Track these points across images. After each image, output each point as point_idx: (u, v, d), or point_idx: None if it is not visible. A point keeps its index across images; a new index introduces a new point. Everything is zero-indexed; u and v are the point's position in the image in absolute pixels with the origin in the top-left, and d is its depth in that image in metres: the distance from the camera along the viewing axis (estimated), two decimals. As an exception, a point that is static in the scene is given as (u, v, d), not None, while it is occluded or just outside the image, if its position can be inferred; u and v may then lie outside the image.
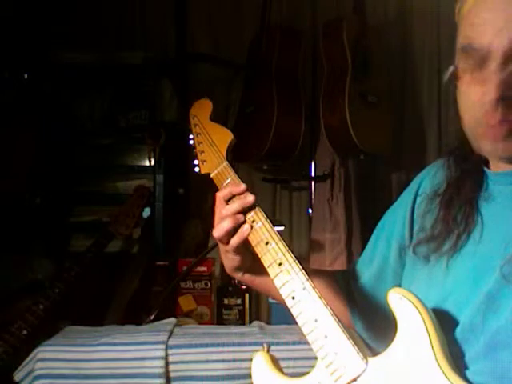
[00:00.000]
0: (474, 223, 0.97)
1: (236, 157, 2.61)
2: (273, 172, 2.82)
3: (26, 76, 2.60)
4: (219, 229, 1.06)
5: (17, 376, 1.69)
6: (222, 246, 1.11)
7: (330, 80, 2.61)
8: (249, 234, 1.06)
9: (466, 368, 0.90)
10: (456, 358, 0.90)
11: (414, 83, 2.86)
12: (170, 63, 2.83)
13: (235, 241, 1.07)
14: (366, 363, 0.92)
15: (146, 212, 2.53)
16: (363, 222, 2.71)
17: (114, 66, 2.68)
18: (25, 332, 2.11)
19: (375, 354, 0.94)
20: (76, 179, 2.73)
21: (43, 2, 2.68)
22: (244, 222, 1.07)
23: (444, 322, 0.92)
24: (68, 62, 2.66)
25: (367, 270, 1.17)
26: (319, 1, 2.84)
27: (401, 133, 2.81)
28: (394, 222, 1.14)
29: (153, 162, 2.62)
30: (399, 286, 1.10)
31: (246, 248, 1.09)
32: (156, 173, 2.64)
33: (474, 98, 0.90)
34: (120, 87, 2.73)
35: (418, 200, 1.10)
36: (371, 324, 1.13)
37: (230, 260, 1.13)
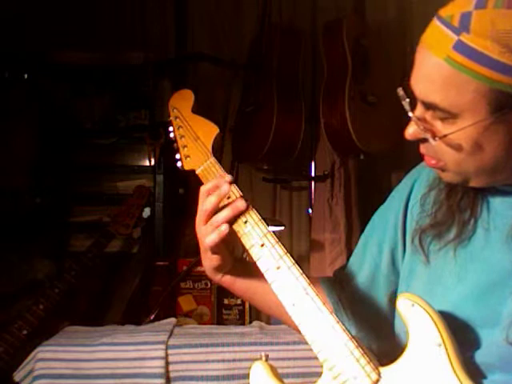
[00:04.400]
0: (480, 211, 0.94)
1: (236, 157, 2.62)
2: (273, 172, 2.82)
3: (25, 76, 2.60)
4: (215, 220, 1.00)
5: (17, 376, 1.68)
6: (201, 243, 1.05)
7: (330, 80, 2.61)
8: (226, 234, 0.99)
9: (484, 377, 0.88)
10: (472, 366, 0.88)
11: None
12: (169, 63, 2.83)
13: (213, 239, 1.00)
14: (378, 374, 0.88)
15: (146, 212, 2.54)
16: (363, 222, 2.70)
17: (114, 65, 2.68)
18: (25, 332, 2.11)
19: (386, 363, 0.90)
20: (76, 179, 2.73)
21: (43, 2, 2.68)
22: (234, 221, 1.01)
23: (455, 330, 0.89)
24: (68, 62, 2.66)
25: (357, 276, 1.11)
26: (319, 1, 2.85)
27: (401, 133, 2.80)
28: (384, 227, 1.09)
29: (153, 162, 2.62)
30: (393, 293, 1.06)
31: (225, 248, 1.04)
32: (156, 173, 2.64)
33: None
34: (120, 87, 2.73)
35: (412, 202, 1.05)
36: (361, 329, 1.08)
37: (208, 259, 1.06)
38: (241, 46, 2.88)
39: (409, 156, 2.84)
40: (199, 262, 2.43)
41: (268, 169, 2.77)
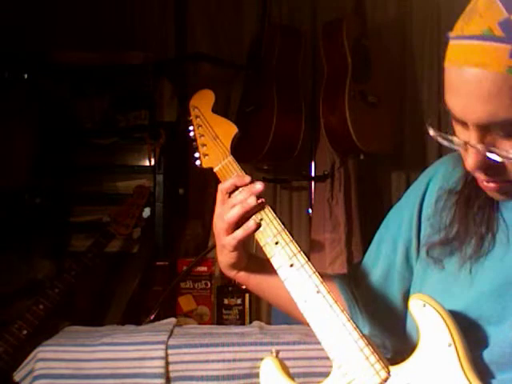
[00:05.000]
0: (496, 226, 0.93)
1: (236, 157, 2.62)
2: (273, 172, 2.82)
3: (25, 76, 2.60)
4: (230, 215, 1.01)
5: (17, 376, 1.68)
6: (219, 240, 1.06)
7: (330, 80, 2.61)
8: (255, 231, 1.02)
9: (493, 377, 0.88)
10: (482, 366, 0.88)
11: (414, 83, 2.86)
12: (169, 63, 2.83)
13: (239, 234, 1.02)
14: (387, 372, 0.89)
15: (146, 212, 2.54)
16: (363, 222, 2.71)
17: (114, 66, 2.68)
18: (25, 332, 2.11)
19: (396, 362, 0.90)
20: (76, 179, 2.73)
21: (43, 2, 2.68)
22: (252, 214, 1.03)
23: (468, 329, 0.89)
24: (68, 62, 2.66)
25: (371, 273, 1.11)
26: (319, 1, 2.85)
27: (401, 133, 2.81)
28: (399, 224, 1.09)
29: (153, 162, 2.62)
30: (407, 290, 1.07)
31: (243, 245, 1.05)
32: (156, 173, 2.64)
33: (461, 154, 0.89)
34: (120, 87, 2.72)
35: (426, 201, 1.05)
36: (375, 326, 1.08)
37: (225, 256, 1.08)
38: (241, 46, 2.88)
39: (409, 156, 2.85)
40: (199, 262, 2.44)
41: (268, 169, 2.77)
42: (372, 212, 2.75)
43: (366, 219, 2.72)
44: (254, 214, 1.04)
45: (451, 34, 0.83)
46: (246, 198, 1.02)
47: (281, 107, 2.57)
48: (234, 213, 1.02)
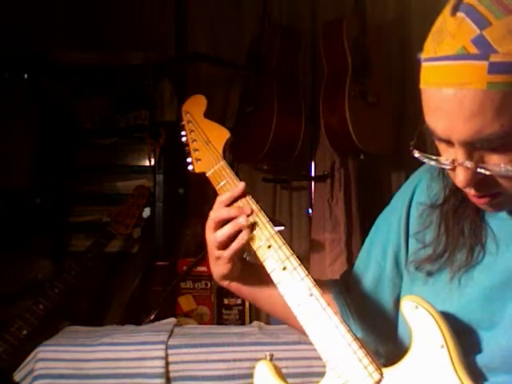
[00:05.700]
0: (485, 235, 0.93)
1: (236, 157, 2.63)
2: (273, 172, 2.82)
3: (25, 76, 2.60)
4: (221, 234, 1.02)
5: (17, 376, 1.68)
6: (212, 252, 1.06)
7: (330, 80, 2.61)
8: (247, 240, 1.02)
9: (485, 380, 0.89)
10: (474, 369, 0.88)
11: (414, 83, 2.85)
12: (169, 63, 2.83)
13: (233, 247, 1.02)
14: (380, 374, 0.89)
15: (146, 212, 2.54)
16: (363, 222, 2.71)
17: (114, 66, 2.68)
18: (25, 332, 2.11)
19: (389, 364, 0.91)
20: (76, 179, 2.73)
21: (43, 2, 2.69)
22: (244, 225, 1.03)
23: (460, 334, 0.89)
24: (68, 62, 2.66)
25: (362, 278, 1.11)
26: (319, 1, 2.84)
27: (401, 133, 2.80)
28: (387, 230, 1.09)
29: (153, 162, 2.62)
30: (398, 296, 1.06)
31: (237, 256, 1.05)
32: (156, 173, 2.64)
33: (448, 171, 0.88)
34: (120, 87, 2.73)
35: (413, 210, 1.05)
36: (368, 332, 1.08)
37: (219, 267, 1.07)
38: (241, 46, 2.88)
39: (409, 156, 2.84)
40: (199, 262, 2.44)
41: (268, 169, 2.77)
42: (372, 212, 2.74)
43: (366, 219, 2.72)
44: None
45: (423, 56, 0.83)
46: (223, 216, 1.03)
47: (281, 107, 2.57)
48: (225, 232, 1.03)
